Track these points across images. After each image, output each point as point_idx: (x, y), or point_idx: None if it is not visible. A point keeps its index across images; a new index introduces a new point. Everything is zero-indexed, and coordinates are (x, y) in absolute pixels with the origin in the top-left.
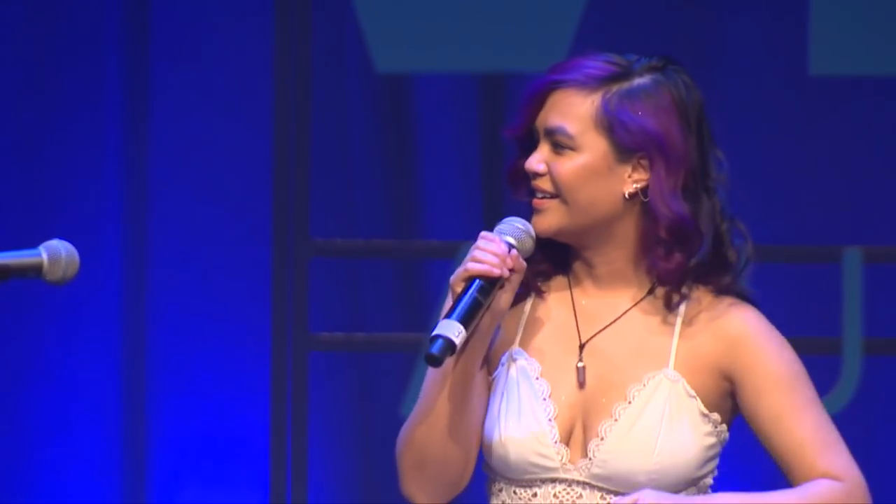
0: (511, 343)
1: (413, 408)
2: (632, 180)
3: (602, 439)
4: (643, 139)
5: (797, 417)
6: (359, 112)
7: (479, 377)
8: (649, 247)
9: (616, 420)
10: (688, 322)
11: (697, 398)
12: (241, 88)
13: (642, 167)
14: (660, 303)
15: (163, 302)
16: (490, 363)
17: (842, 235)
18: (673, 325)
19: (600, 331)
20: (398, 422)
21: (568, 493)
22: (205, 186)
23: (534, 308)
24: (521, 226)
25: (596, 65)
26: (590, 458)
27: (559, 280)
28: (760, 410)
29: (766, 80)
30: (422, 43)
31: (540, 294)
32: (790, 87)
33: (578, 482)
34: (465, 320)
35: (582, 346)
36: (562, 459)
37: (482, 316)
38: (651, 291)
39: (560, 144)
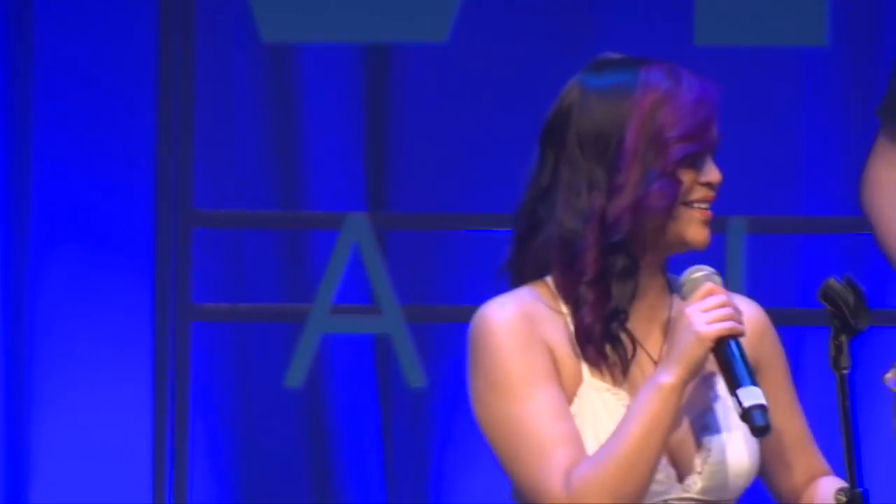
0: (579, 373)
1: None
2: None
3: (709, 451)
4: None
5: (801, 411)
6: (244, 82)
7: None
8: None
9: (712, 431)
10: None
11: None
12: (124, 59)
13: None
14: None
15: (45, 273)
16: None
17: (726, 205)
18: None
19: (663, 345)
20: (281, 393)
21: None
22: (88, 158)
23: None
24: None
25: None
26: (699, 472)
27: None
28: (778, 394)
29: (652, 50)
30: (308, 14)
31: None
32: (676, 58)
33: (683, 499)
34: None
35: (657, 363)
36: (671, 480)
37: None
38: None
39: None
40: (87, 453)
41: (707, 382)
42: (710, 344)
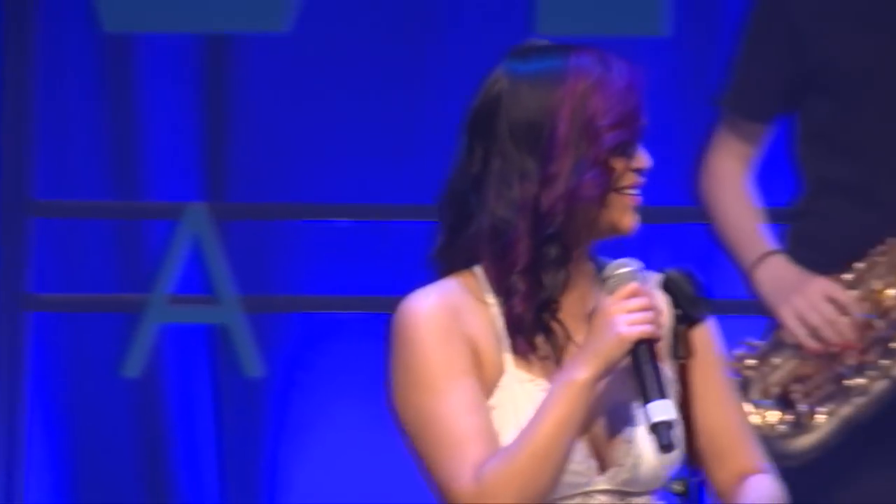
0: (502, 364)
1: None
2: None
3: (630, 443)
4: None
5: (736, 405)
6: (82, 72)
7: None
8: None
9: (635, 423)
10: None
11: (675, 381)
12: None
13: None
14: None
15: None
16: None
17: None
18: None
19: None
20: (117, 381)
21: (605, 496)
22: None
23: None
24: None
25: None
26: (620, 465)
27: None
28: (709, 388)
29: (495, 41)
30: (149, 3)
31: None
32: None
33: (606, 491)
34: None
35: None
36: (592, 472)
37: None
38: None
39: None
40: None
41: (630, 374)
42: (628, 346)
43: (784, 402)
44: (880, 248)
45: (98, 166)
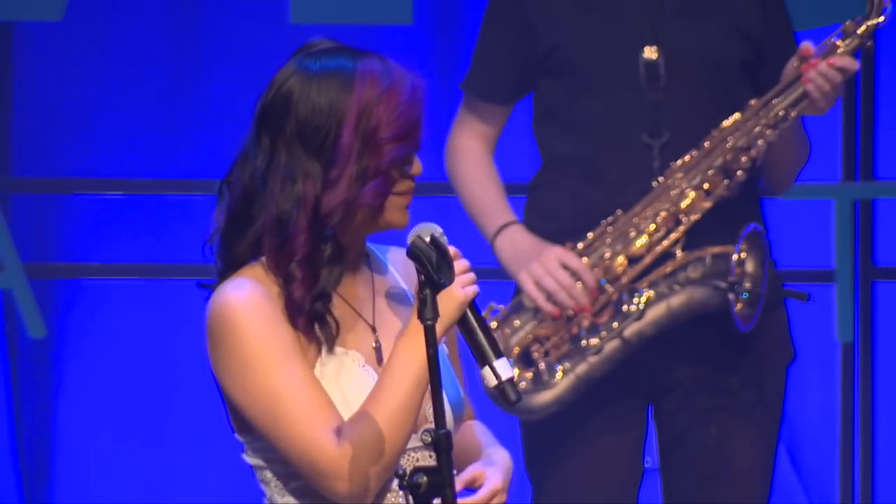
0: (319, 340)
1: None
2: None
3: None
4: None
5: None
6: None
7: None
8: None
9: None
10: (404, 276)
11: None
12: None
13: None
14: (373, 264)
15: None
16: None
17: None
18: (396, 281)
19: (374, 308)
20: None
21: (407, 460)
22: None
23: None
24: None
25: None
26: (431, 422)
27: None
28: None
29: (251, 29)
30: None
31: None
32: (272, 36)
33: (417, 448)
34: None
35: (373, 328)
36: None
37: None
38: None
39: None
40: None
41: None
42: (465, 308)
43: (525, 361)
44: (609, 218)
45: None
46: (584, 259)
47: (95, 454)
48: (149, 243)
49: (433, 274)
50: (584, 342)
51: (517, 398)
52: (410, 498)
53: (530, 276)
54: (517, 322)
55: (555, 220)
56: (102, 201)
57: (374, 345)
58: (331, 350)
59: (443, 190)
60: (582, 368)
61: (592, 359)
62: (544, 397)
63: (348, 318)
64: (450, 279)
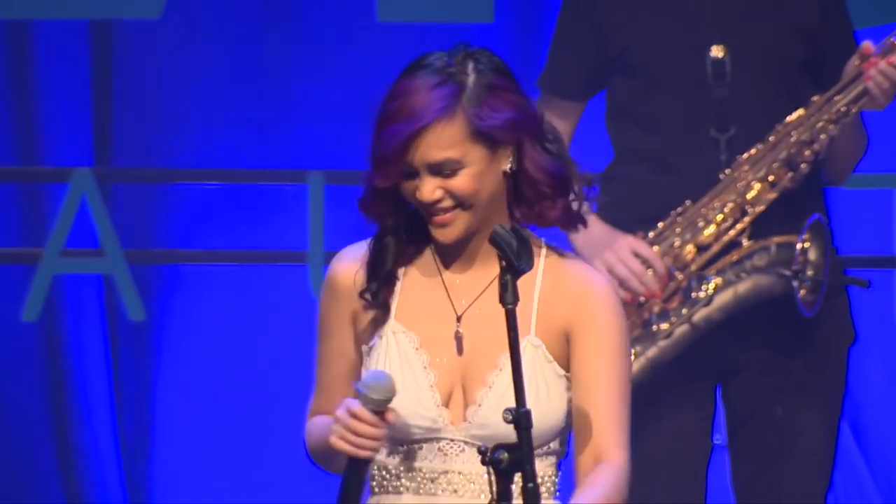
0: (386, 318)
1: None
2: (506, 157)
3: (479, 406)
4: (515, 130)
5: (616, 387)
6: None
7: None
8: (520, 210)
9: (490, 387)
10: (545, 288)
11: (555, 362)
12: None
13: (510, 145)
14: None
15: None
16: (362, 336)
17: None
18: (532, 291)
19: (474, 301)
20: (19, 327)
21: (451, 447)
22: None
23: (404, 286)
24: (389, 388)
25: (434, 92)
26: (469, 422)
27: (425, 257)
28: (583, 368)
29: (339, 27)
30: None
31: (408, 275)
32: (360, 34)
33: (459, 440)
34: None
35: (459, 318)
36: (443, 421)
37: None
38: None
39: (450, 170)
40: None
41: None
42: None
43: None
44: (678, 209)
45: (1, 136)
46: (655, 247)
47: (193, 434)
48: (243, 231)
49: (513, 260)
50: (654, 327)
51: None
52: (493, 474)
53: (603, 263)
54: None
55: (626, 210)
56: (199, 191)
57: (456, 334)
58: (381, 326)
59: None
60: (653, 352)
61: (663, 343)
62: None
63: (437, 303)
64: (529, 266)
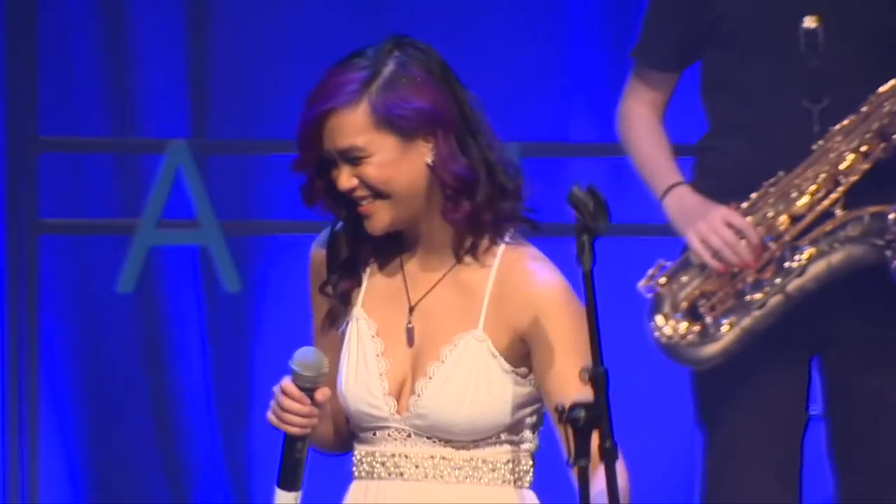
0: (354, 305)
1: None
2: (428, 150)
3: (419, 396)
4: (420, 119)
5: (581, 386)
6: (81, 25)
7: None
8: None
9: (430, 378)
10: (498, 285)
11: (500, 357)
12: None
13: (429, 137)
14: (476, 264)
15: None
16: (337, 319)
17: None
18: (485, 287)
19: (426, 293)
20: (115, 298)
21: (398, 435)
22: None
23: (372, 274)
24: (316, 365)
25: (346, 77)
26: (410, 412)
27: (391, 249)
28: (551, 374)
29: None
30: None
31: (376, 263)
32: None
33: (404, 429)
34: (295, 482)
35: (412, 309)
36: (389, 410)
37: (305, 455)
38: (467, 251)
39: (357, 158)
40: None
41: (457, 340)
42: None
43: (692, 315)
44: (772, 179)
45: (97, 107)
46: (748, 218)
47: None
48: None
49: (588, 221)
50: (748, 297)
51: None
52: (570, 432)
53: (697, 234)
54: (685, 278)
55: (720, 180)
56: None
57: (407, 325)
58: (351, 311)
59: (615, 152)
60: (747, 322)
61: (757, 312)
62: (711, 349)
63: (396, 293)
64: (606, 227)
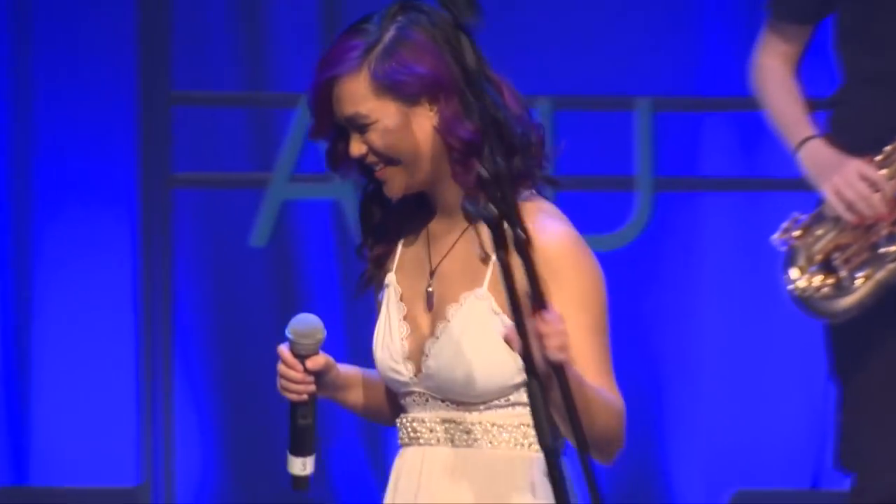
0: (389, 271)
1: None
2: (433, 114)
3: (427, 356)
4: (420, 84)
5: (583, 338)
6: None
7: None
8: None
9: (437, 338)
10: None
11: (502, 314)
12: None
13: (432, 102)
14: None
15: (43, 151)
16: (375, 284)
17: (634, 86)
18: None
19: (444, 257)
20: (249, 251)
21: (420, 398)
22: (75, 41)
23: (406, 240)
24: (308, 332)
25: (350, 44)
26: (423, 373)
27: (420, 214)
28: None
29: None
30: None
31: (407, 229)
32: None
33: (421, 392)
34: (303, 448)
35: (432, 273)
36: (408, 374)
37: (314, 421)
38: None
39: (363, 125)
40: (78, 304)
41: (462, 299)
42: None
43: (827, 268)
44: None
45: (231, 61)
46: (883, 171)
47: None
48: None
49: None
50: (883, 250)
51: (298, 490)
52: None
53: (832, 187)
54: (819, 231)
55: (854, 134)
56: None
57: (427, 288)
58: (377, 282)
59: (749, 106)
60: (881, 274)
61: (891, 265)
62: (846, 302)
63: (420, 257)
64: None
